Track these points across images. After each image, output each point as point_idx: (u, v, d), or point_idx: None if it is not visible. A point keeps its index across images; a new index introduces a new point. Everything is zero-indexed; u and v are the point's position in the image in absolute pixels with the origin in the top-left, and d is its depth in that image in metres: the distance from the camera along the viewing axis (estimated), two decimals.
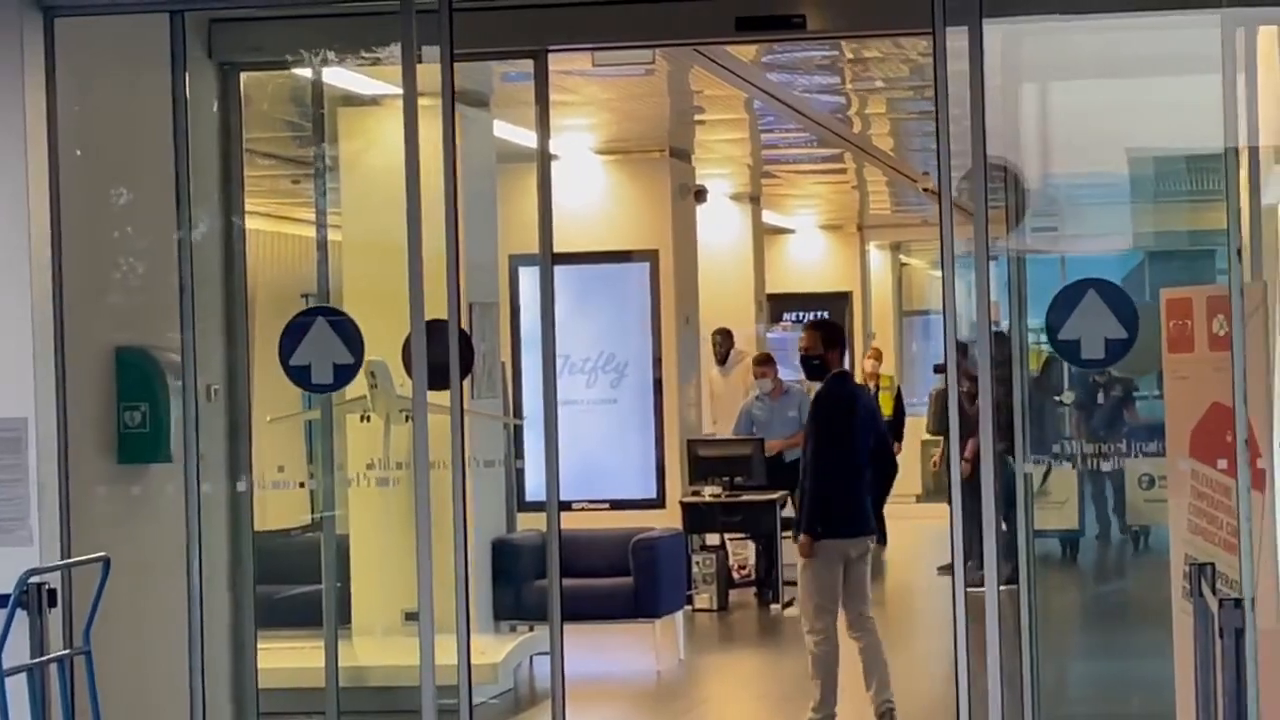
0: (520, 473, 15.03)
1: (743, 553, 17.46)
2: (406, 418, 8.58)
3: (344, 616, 11.90)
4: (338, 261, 11.13)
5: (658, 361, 17.84)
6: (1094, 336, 7.53)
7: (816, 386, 11.91)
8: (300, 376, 8.19)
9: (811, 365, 11.58)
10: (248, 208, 9.04)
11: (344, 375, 8.28)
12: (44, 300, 7.51)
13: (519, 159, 12.03)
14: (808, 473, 11.34)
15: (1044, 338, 7.82)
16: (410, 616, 10.67)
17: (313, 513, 12.07)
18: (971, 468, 7.63)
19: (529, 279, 16.62)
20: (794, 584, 12.60)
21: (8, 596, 7.06)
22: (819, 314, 23.85)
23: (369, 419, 10.60)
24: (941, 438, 18.54)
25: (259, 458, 8.82)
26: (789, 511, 15.88)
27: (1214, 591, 6.84)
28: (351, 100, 12.36)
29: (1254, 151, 8.16)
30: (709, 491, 16.73)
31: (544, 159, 8.83)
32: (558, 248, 8.68)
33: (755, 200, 22.91)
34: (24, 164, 7.45)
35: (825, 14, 8.33)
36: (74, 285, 7.65)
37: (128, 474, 8.08)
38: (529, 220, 8.92)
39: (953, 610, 7.35)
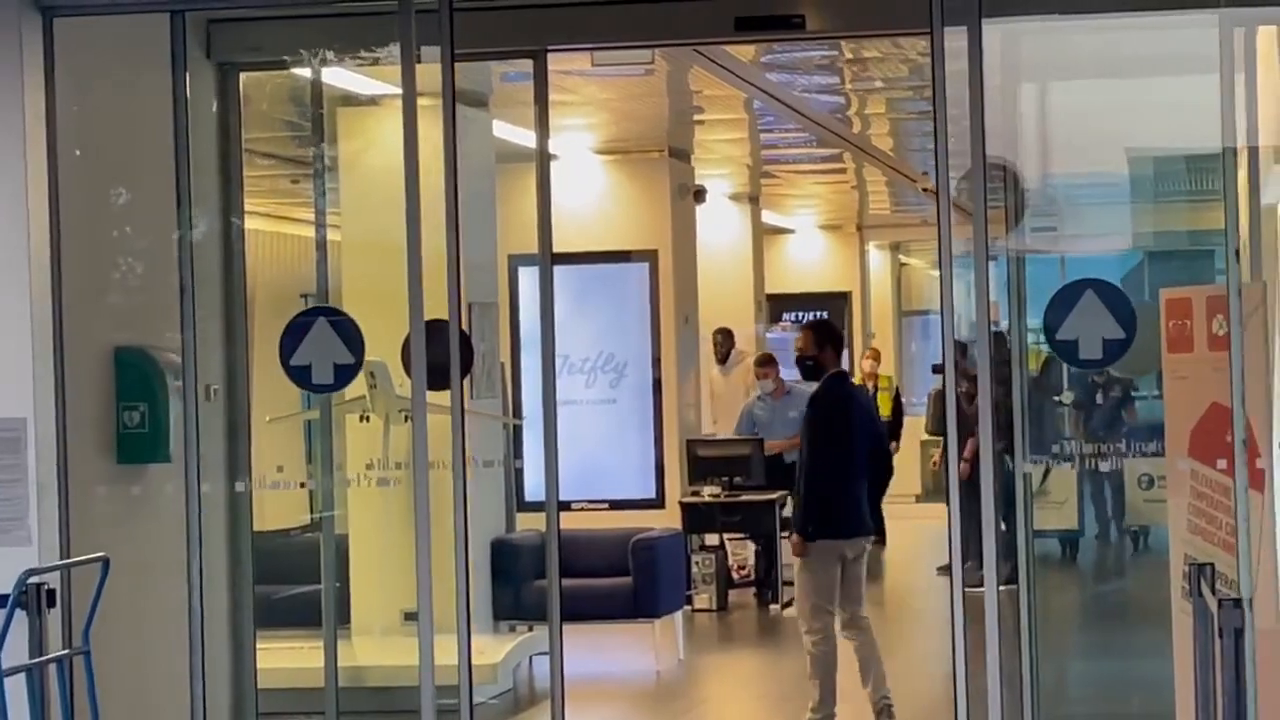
0: (519, 473, 15.03)
1: (742, 553, 17.46)
2: (406, 418, 8.58)
3: (343, 616, 11.91)
4: (337, 261, 11.13)
5: (657, 361, 17.84)
6: (1092, 336, 7.52)
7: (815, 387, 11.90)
8: (301, 376, 8.18)
9: (806, 366, 11.59)
10: (247, 208, 9.03)
11: (345, 375, 8.27)
12: (43, 300, 7.51)
13: (518, 159, 12.02)
14: (802, 473, 11.34)
15: (1043, 338, 7.82)
16: (409, 616, 10.67)
17: (312, 513, 12.07)
18: (970, 468, 7.63)
19: (528, 279, 16.62)
20: (793, 584, 12.60)
21: (7, 596, 7.05)
22: (818, 314, 23.86)
23: (368, 419, 10.60)
24: (941, 438, 18.55)
25: (258, 458, 8.82)
26: (788, 512, 15.87)
27: (1213, 591, 6.84)
28: (350, 100, 12.36)
29: (1253, 151, 8.16)
30: (708, 491, 16.73)
31: (543, 159, 8.83)
32: (557, 248, 8.68)
33: (754, 200, 22.91)
34: (23, 164, 7.44)
35: (824, 14, 8.33)
36: (73, 285, 7.65)
37: (127, 474, 8.08)
38: (528, 220, 8.92)
39: (950, 610, 7.35)
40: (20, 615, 7.08)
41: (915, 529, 20.52)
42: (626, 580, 13.93)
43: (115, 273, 8.12)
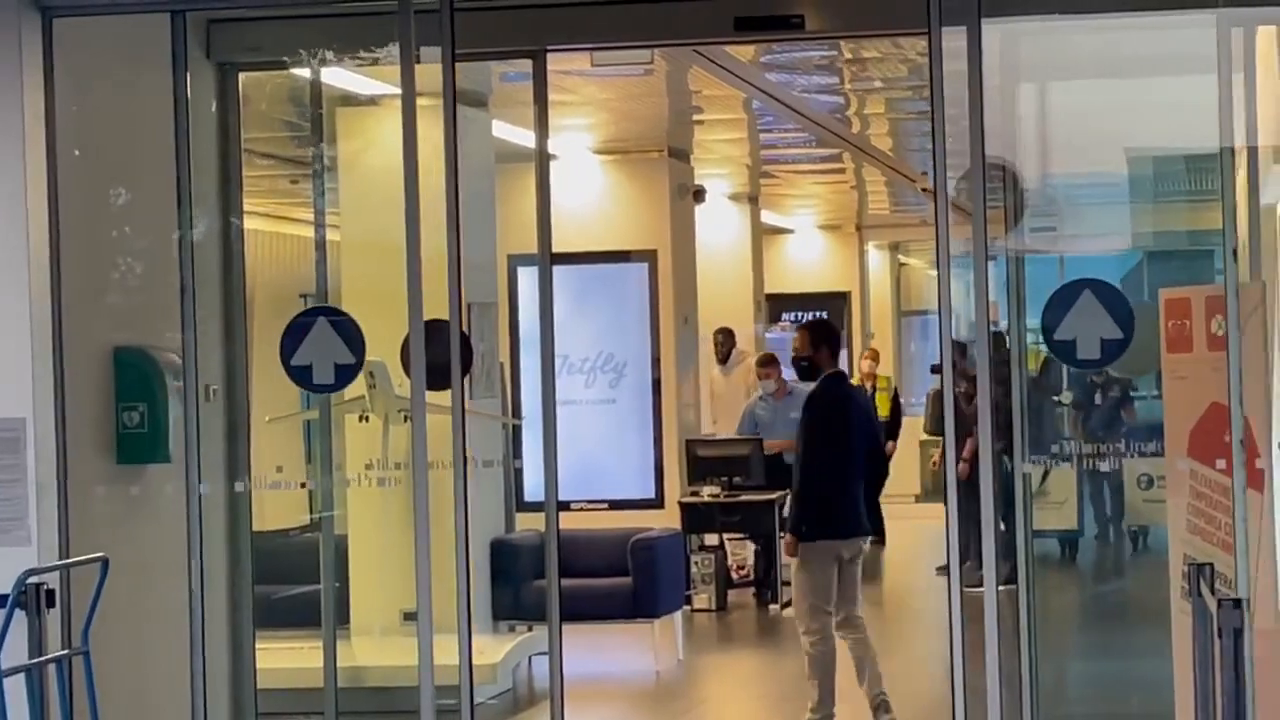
0: (519, 473, 15.04)
1: (741, 553, 17.46)
2: (405, 418, 8.58)
3: (342, 617, 11.91)
4: (336, 262, 11.13)
5: (656, 361, 17.84)
6: (1089, 337, 7.52)
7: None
8: (302, 376, 8.18)
9: (801, 366, 11.60)
10: (246, 208, 9.03)
11: (345, 375, 8.27)
12: (42, 300, 7.51)
13: (517, 159, 12.02)
14: (798, 473, 11.34)
15: (1041, 338, 7.82)
16: (409, 617, 10.67)
17: (311, 513, 12.08)
18: (970, 468, 7.62)
19: (527, 279, 16.62)
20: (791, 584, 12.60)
21: (6, 597, 7.05)
22: (817, 314, 23.86)
23: (367, 419, 10.60)
24: (940, 438, 18.55)
25: (257, 458, 8.82)
26: (788, 511, 15.87)
27: (1213, 591, 6.84)
28: (350, 100, 12.36)
29: (1252, 151, 8.16)
30: (707, 492, 16.73)
31: (542, 159, 8.83)
32: (556, 248, 8.68)
33: (754, 200, 22.91)
34: (22, 164, 7.44)
35: (824, 14, 8.33)
36: (72, 285, 7.65)
37: (126, 474, 8.08)
38: (527, 220, 8.91)
39: (949, 610, 7.35)
40: (20, 615, 7.08)
41: (914, 529, 20.52)
42: (626, 580, 13.93)
43: (114, 273, 8.12)
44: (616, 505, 17.21)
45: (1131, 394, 14.86)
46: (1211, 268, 9.55)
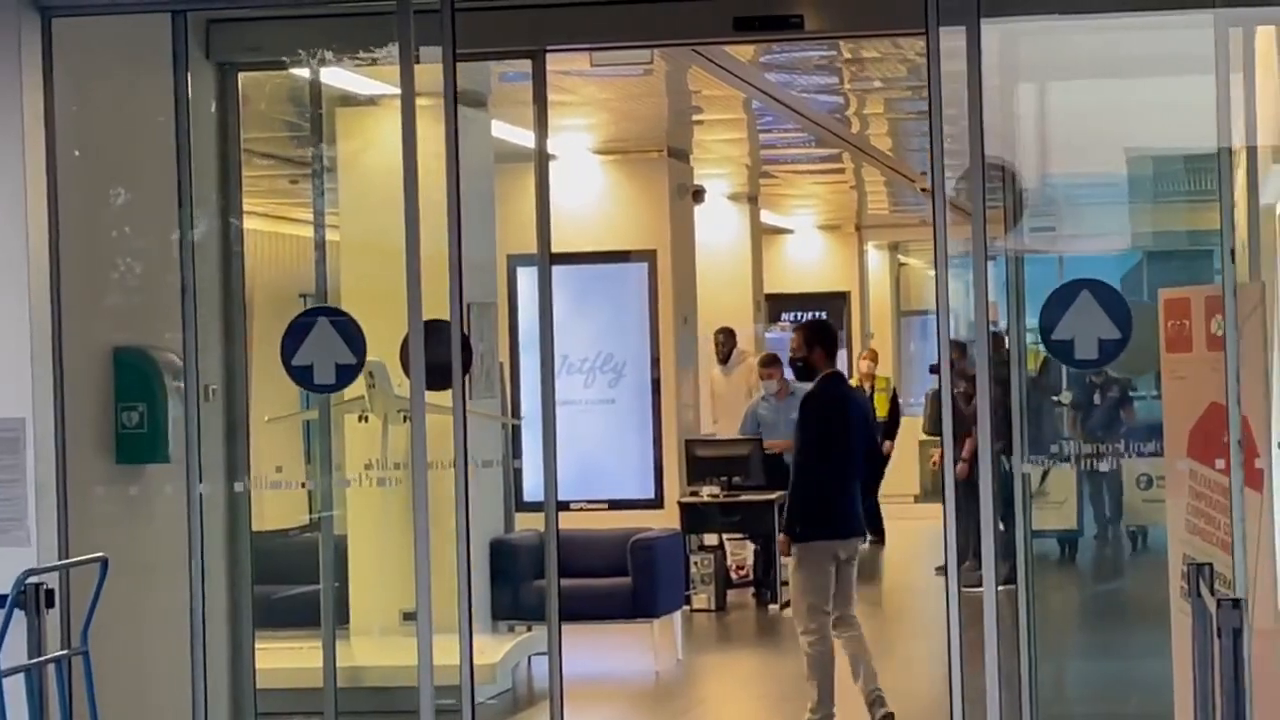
0: (518, 473, 15.05)
1: (741, 553, 17.47)
2: (404, 418, 8.58)
3: (342, 617, 11.92)
4: (335, 262, 11.14)
5: (656, 362, 17.84)
6: (1087, 337, 7.52)
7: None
8: (303, 376, 8.18)
9: (797, 367, 11.59)
10: (245, 208, 9.03)
11: (346, 375, 8.27)
12: (42, 300, 7.51)
13: (517, 159, 12.02)
14: (793, 473, 11.34)
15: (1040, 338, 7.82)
16: (408, 617, 10.67)
17: (311, 513, 12.08)
18: (969, 468, 7.62)
19: (527, 279, 16.62)
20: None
21: (5, 597, 7.05)
22: (817, 314, 23.86)
23: (367, 419, 10.60)
24: (939, 438, 18.54)
25: (257, 458, 8.82)
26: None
27: (1212, 591, 6.84)
28: (349, 100, 12.36)
29: (1252, 151, 8.16)
30: (707, 492, 16.73)
31: (542, 159, 8.83)
32: (556, 248, 8.67)
33: (753, 200, 22.91)
34: (22, 164, 7.44)
35: (823, 14, 8.33)
36: (72, 285, 7.65)
37: (125, 474, 8.08)
38: (527, 220, 8.92)
39: (946, 610, 7.35)
40: (19, 615, 7.07)
41: (914, 529, 20.53)
42: (625, 580, 13.93)
43: (114, 273, 8.12)
44: (616, 505, 17.21)
45: (1131, 394, 14.88)
46: (1211, 268, 9.55)
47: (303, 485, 8.88)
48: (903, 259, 30.92)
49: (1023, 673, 8.08)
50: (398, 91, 7.65)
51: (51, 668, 7.26)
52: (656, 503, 17.46)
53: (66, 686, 7.29)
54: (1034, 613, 8.21)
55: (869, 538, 20.68)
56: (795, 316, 25.27)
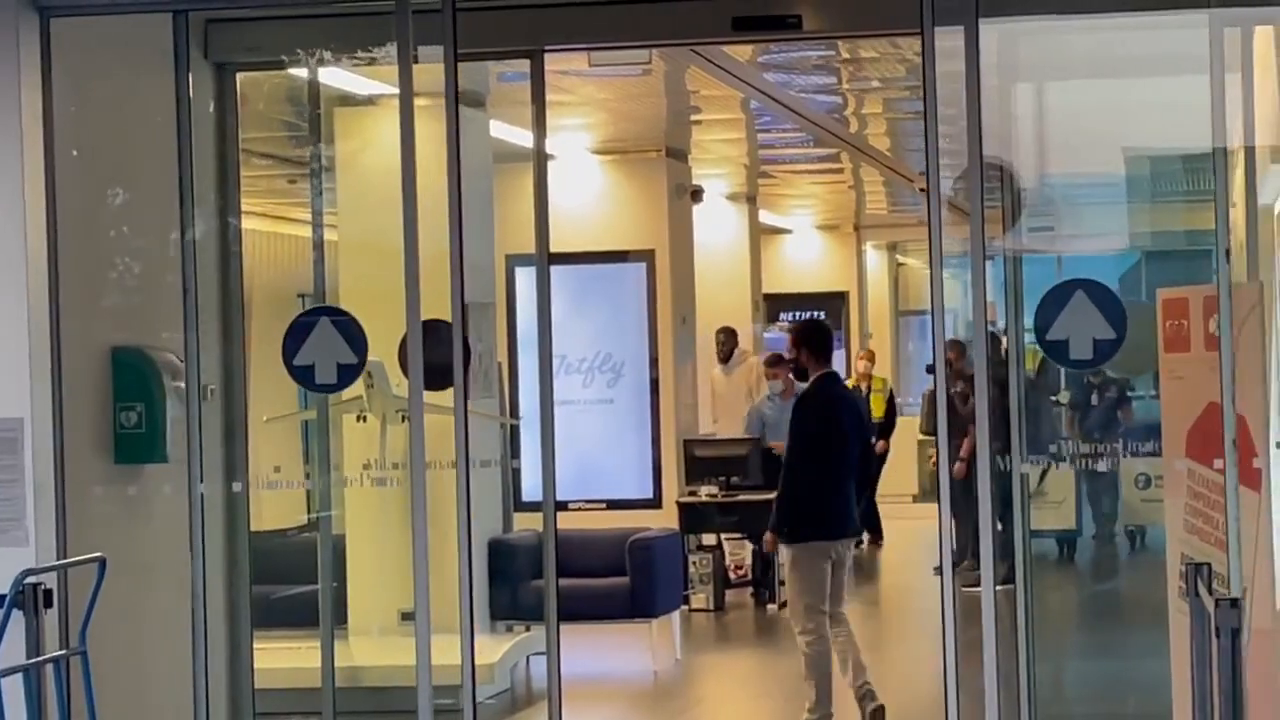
0: (517, 473, 15.05)
1: (739, 553, 17.47)
2: (403, 418, 8.58)
3: (340, 617, 11.91)
4: (334, 262, 11.13)
5: (654, 361, 17.84)
6: (1082, 336, 7.52)
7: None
8: (304, 376, 8.18)
9: (793, 368, 11.60)
10: (244, 208, 9.03)
11: (348, 375, 8.27)
12: (40, 300, 7.51)
13: (515, 159, 12.02)
14: (784, 472, 11.34)
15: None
16: (406, 616, 10.67)
17: (309, 513, 12.08)
18: (966, 467, 7.62)
19: (525, 279, 16.62)
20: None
21: (4, 597, 7.05)
22: (815, 314, 23.86)
23: (365, 419, 10.60)
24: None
25: (255, 458, 8.82)
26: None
27: (1210, 591, 6.84)
28: (348, 100, 12.35)
29: (1250, 151, 8.16)
30: (705, 491, 16.73)
31: (540, 159, 8.83)
32: (554, 248, 8.67)
33: (752, 200, 22.91)
34: (20, 164, 7.44)
35: (822, 14, 8.33)
36: (70, 285, 7.65)
37: (124, 474, 8.08)
38: (525, 220, 8.92)
39: (942, 609, 7.35)
40: (17, 615, 7.07)
41: (912, 529, 20.52)
42: (624, 580, 13.93)
43: (112, 273, 8.12)
44: (614, 505, 17.21)
45: (1129, 394, 14.87)
46: (1209, 268, 9.55)
47: (302, 484, 8.88)
48: (901, 259, 30.92)
49: (1021, 672, 8.08)
50: (396, 91, 7.65)
51: (50, 668, 7.26)
52: (655, 503, 17.46)
53: (65, 686, 7.28)
54: (1032, 612, 8.21)
55: (867, 537, 20.73)
56: (794, 316, 25.29)
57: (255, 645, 8.92)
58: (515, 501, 14.66)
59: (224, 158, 8.84)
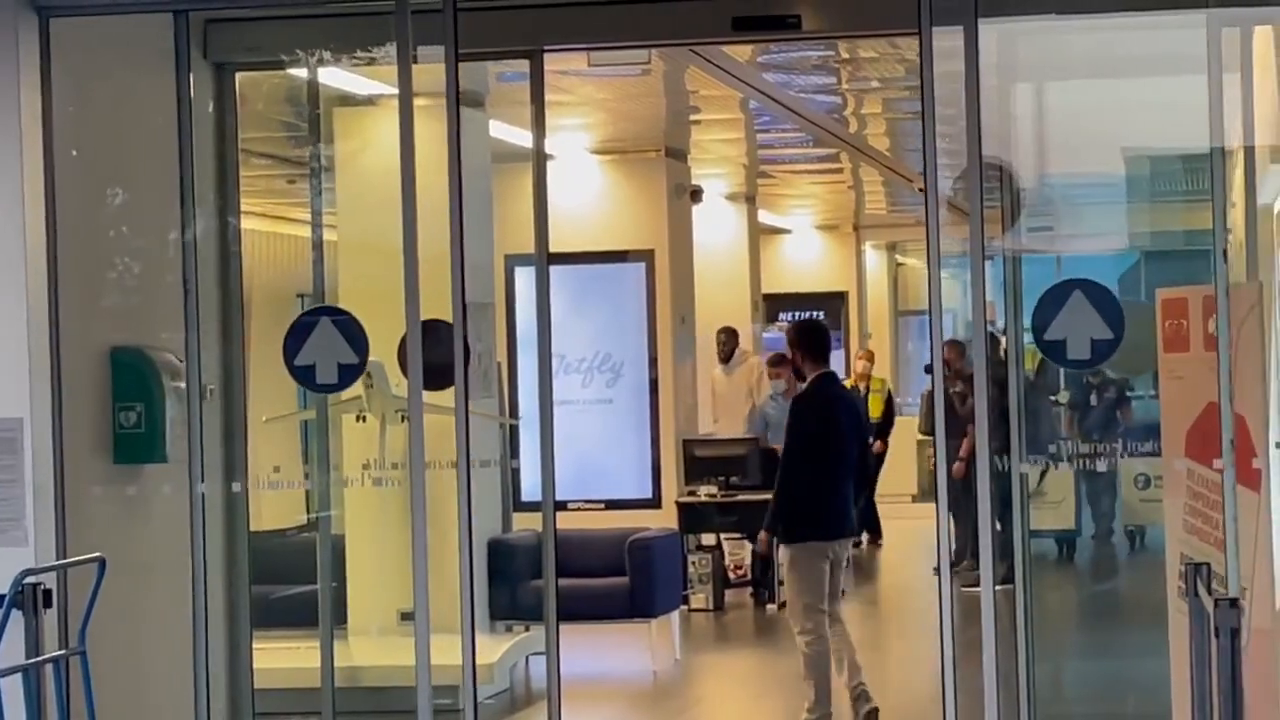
0: (516, 473, 15.05)
1: (739, 553, 17.47)
2: (402, 418, 8.58)
3: (340, 616, 11.91)
4: (333, 262, 11.13)
5: (654, 361, 17.84)
6: (1080, 336, 7.52)
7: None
8: (305, 376, 8.18)
9: (794, 368, 11.62)
10: (243, 208, 9.03)
11: (349, 375, 8.27)
12: (39, 301, 7.51)
13: (514, 159, 12.02)
14: (780, 472, 11.34)
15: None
16: (406, 616, 10.67)
17: (308, 513, 12.07)
18: (965, 467, 7.61)
19: (525, 279, 16.63)
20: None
21: (3, 597, 7.05)
22: (814, 314, 23.87)
23: (365, 419, 10.60)
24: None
25: (255, 458, 8.82)
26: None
27: (1209, 591, 6.84)
28: (347, 100, 12.35)
29: (1249, 151, 8.16)
30: (705, 491, 16.73)
31: (539, 159, 8.83)
32: (553, 248, 8.68)
33: (751, 200, 22.91)
34: (19, 164, 7.44)
35: (821, 14, 8.33)
36: (69, 286, 7.65)
37: (123, 474, 8.08)
38: (524, 220, 8.93)
39: (939, 610, 7.35)
40: (17, 615, 7.07)
41: (912, 529, 20.52)
42: (623, 580, 13.93)
43: (112, 273, 8.12)
44: (614, 505, 17.21)
45: (1128, 394, 14.88)
46: (1209, 268, 9.55)
47: (301, 484, 8.88)
48: (900, 259, 30.92)
49: (1020, 672, 8.08)
50: (395, 91, 7.65)
51: (49, 668, 7.26)
52: (654, 503, 17.46)
53: (64, 686, 7.28)
54: (1032, 612, 8.21)
55: (867, 537, 20.74)
56: (793, 316, 25.28)
57: (255, 645, 8.91)
58: (514, 501, 14.67)
59: (223, 158, 8.84)
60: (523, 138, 11.50)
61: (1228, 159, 7.76)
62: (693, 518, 16.79)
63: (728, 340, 20.07)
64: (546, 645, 8.62)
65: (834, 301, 27.78)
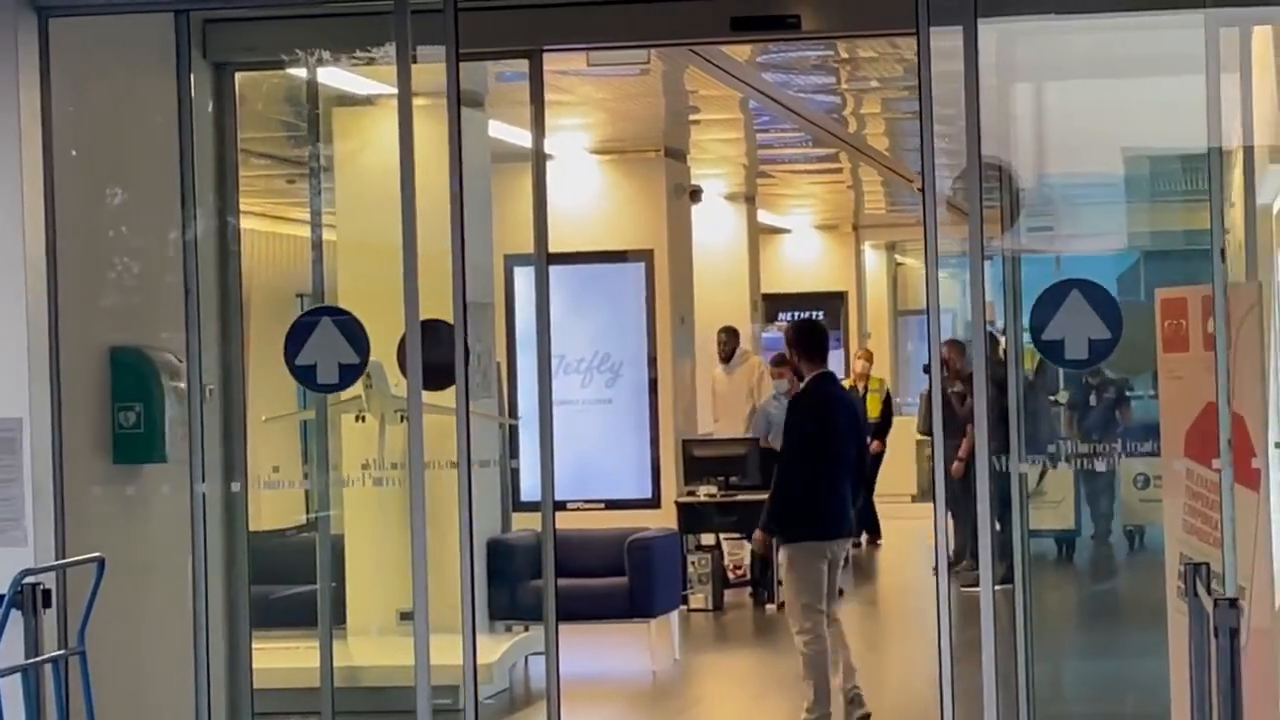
0: (515, 473, 15.05)
1: (738, 553, 17.47)
2: (401, 418, 8.58)
3: (339, 616, 11.91)
4: (332, 262, 11.13)
5: (653, 361, 17.84)
6: (1077, 336, 7.52)
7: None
8: (306, 376, 8.18)
9: (793, 368, 11.63)
10: (242, 208, 9.03)
11: (350, 375, 8.27)
12: (39, 300, 7.51)
13: (514, 159, 12.02)
14: (777, 472, 11.34)
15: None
16: (405, 616, 10.67)
17: (308, 513, 12.07)
18: (964, 467, 7.61)
19: (524, 279, 16.62)
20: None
21: (2, 597, 7.05)
22: (813, 314, 23.87)
23: (364, 419, 10.60)
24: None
25: (254, 458, 8.82)
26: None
27: (1209, 591, 6.84)
28: (346, 100, 12.35)
29: (1248, 151, 8.16)
30: (704, 491, 16.74)
31: (539, 159, 8.83)
32: (553, 248, 8.68)
33: (750, 200, 22.92)
34: (19, 164, 7.44)
35: (820, 14, 8.33)
36: (69, 285, 7.65)
37: (122, 474, 8.08)
38: (524, 220, 8.92)
39: (937, 610, 7.35)
40: (16, 615, 7.07)
41: (910, 529, 20.52)
42: (622, 580, 13.93)
43: (111, 273, 8.12)
44: (613, 505, 17.22)
45: (1128, 394, 14.88)
46: (1208, 268, 9.56)
47: (300, 484, 8.88)
48: (900, 259, 30.93)
49: (1020, 672, 8.08)
50: (394, 91, 7.65)
51: (48, 668, 7.26)
52: (654, 502, 17.46)
53: (63, 686, 7.28)
54: (1031, 612, 8.21)
55: (866, 538, 20.74)
56: (792, 316, 25.29)
57: (254, 645, 8.91)
58: (514, 501, 14.66)
59: (222, 158, 8.84)
60: (522, 138, 11.51)
61: (1226, 159, 7.76)
62: (692, 518, 16.79)
63: (729, 340, 20.07)
64: (546, 645, 8.62)
65: (833, 301, 27.79)
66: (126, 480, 8.10)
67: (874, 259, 29.98)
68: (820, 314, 24.43)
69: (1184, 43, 7.96)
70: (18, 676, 7.11)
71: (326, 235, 9.44)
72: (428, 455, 7.61)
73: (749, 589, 17.40)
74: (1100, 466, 7.94)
